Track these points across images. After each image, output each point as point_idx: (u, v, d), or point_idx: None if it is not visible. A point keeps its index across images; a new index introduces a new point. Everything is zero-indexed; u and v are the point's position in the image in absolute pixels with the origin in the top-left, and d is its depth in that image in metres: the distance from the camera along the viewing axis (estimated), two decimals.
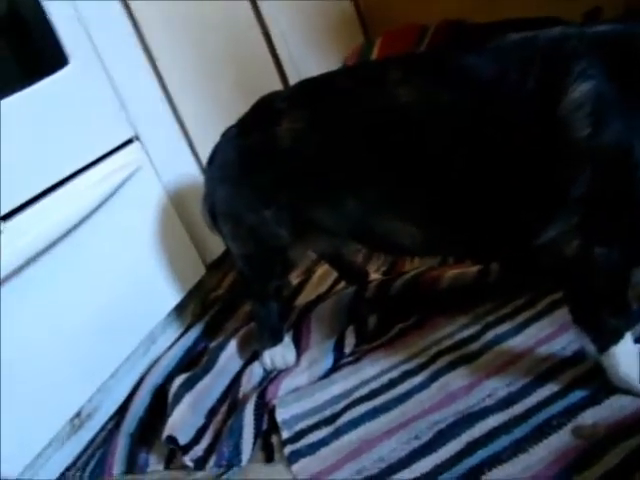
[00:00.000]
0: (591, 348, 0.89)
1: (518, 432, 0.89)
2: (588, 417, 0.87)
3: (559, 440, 0.85)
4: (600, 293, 0.87)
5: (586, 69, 0.78)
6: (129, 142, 1.39)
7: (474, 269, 1.26)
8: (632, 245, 0.83)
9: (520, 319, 1.11)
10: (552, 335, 1.04)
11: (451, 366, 1.07)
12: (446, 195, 0.93)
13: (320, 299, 1.38)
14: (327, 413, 1.08)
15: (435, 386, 1.04)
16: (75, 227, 1.22)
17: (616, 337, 0.87)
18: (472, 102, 0.87)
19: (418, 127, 0.92)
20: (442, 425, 0.95)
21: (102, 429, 1.29)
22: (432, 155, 0.92)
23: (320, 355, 1.22)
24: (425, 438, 0.95)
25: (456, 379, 1.03)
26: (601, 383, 0.90)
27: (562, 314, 1.02)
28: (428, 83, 0.92)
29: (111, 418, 1.31)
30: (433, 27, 1.97)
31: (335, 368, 1.19)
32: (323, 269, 1.54)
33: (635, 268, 0.88)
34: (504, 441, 0.89)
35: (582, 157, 0.80)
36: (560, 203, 0.83)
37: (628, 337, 0.88)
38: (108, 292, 1.29)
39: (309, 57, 1.97)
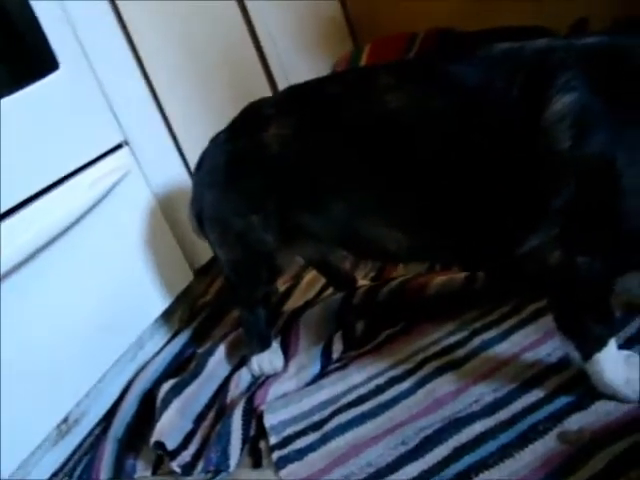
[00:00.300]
0: (576, 355, 0.90)
1: (504, 437, 0.90)
2: (573, 422, 0.88)
3: (545, 445, 0.86)
4: (583, 301, 0.87)
5: (570, 81, 0.79)
6: (118, 147, 1.39)
7: (461, 276, 1.27)
8: (614, 254, 0.84)
9: (506, 326, 1.12)
10: (537, 342, 1.05)
11: (438, 372, 1.07)
12: (432, 201, 0.94)
13: (308, 305, 1.38)
14: (315, 419, 1.08)
15: (422, 392, 1.04)
16: (63, 232, 1.21)
17: (600, 344, 0.88)
18: (460, 109, 0.88)
19: (406, 133, 0.93)
20: (429, 431, 0.96)
21: (89, 434, 1.28)
22: (420, 161, 0.92)
23: (308, 361, 1.23)
24: (412, 443, 0.95)
25: (443, 385, 1.04)
26: (586, 389, 0.91)
27: (547, 321, 1.02)
28: (417, 89, 0.93)
29: (98, 423, 1.30)
30: (422, 35, 1.98)
31: (323, 374, 1.19)
32: (311, 275, 1.54)
33: (617, 276, 0.89)
34: (490, 446, 0.89)
35: (563, 169, 0.81)
36: (542, 213, 0.84)
37: (612, 344, 0.88)
38: (96, 297, 1.29)
39: (298, 62, 1.97)
